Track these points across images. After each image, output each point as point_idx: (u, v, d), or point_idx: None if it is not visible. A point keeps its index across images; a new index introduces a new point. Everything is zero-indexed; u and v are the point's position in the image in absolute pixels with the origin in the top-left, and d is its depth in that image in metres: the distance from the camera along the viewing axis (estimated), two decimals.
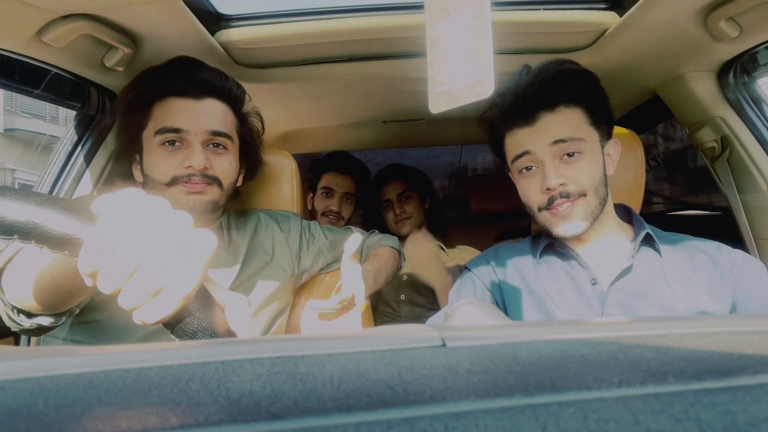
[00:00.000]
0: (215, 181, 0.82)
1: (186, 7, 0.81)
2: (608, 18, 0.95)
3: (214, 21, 0.96)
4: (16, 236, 0.34)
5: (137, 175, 0.86)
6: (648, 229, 0.80)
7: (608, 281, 0.77)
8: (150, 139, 0.81)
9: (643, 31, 0.94)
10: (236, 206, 1.07)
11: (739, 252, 0.78)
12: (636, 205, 1.03)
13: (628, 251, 0.79)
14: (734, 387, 0.16)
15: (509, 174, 0.86)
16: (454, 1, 0.32)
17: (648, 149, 1.93)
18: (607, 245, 0.81)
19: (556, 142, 0.76)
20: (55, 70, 0.89)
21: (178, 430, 0.14)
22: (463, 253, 1.69)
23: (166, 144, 0.80)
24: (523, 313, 0.82)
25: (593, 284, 0.78)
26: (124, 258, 0.33)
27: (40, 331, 0.57)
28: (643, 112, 1.43)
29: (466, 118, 1.53)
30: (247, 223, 0.97)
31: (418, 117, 1.57)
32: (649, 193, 1.93)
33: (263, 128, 1.00)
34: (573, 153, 0.76)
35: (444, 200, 2.62)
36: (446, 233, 1.87)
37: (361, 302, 0.76)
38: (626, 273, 0.77)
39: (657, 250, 0.79)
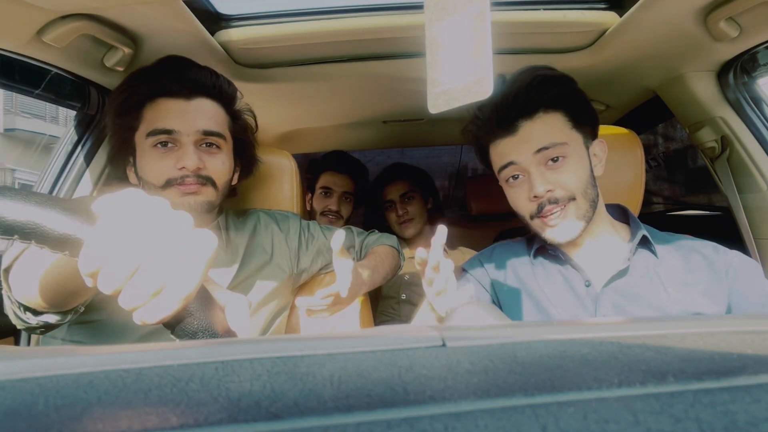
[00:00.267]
0: (209, 181, 0.82)
1: (186, 7, 0.81)
2: (608, 18, 0.95)
3: (214, 21, 0.96)
4: (16, 236, 0.34)
5: (132, 177, 0.86)
6: (644, 230, 0.80)
7: (602, 282, 0.77)
8: (142, 141, 0.81)
9: (643, 31, 0.94)
10: (235, 206, 1.07)
11: (735, 253, 0.78)
12: (636, 205, 1.03)
13: (623, 252, 0.79)
14: (734, 387, 0.16)
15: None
16: (454, 1, 0.32)
17: (648, 149, 1.93)
18: (602, 246, 0.81)
19: (539, 150, 0.75)
20: (55, 70, 0.89)
21: (178, 430, 0.14)
22: (465, 255, 1.68)
23: (159, 146, 0.80)
24: (520, 312, 0.82)
25: (587, 286, 0.78)
26: (124, 258, 0.33)
27: (47, 328, 0.57)
28: (643, 112, 1.43)
29: (465, 118, 1.53)
30: (246, 223, 0.97)
31: (418, 117, 1.57)
32: (649, 193, 1.93)
33: (256, 125, 0.99)
34: (557, 158, 0.76)
35: (444, 200, 2.62)
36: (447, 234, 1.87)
37: (345, 294, 0.74)
38: (622, 275, 0.77)
39: (653, 251, 0.78)
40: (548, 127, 0.76)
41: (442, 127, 1.70)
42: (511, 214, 0.87)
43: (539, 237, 0.84)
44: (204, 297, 0.37)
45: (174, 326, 0.36)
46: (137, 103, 0.82)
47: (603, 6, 0.95)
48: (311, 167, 1.75)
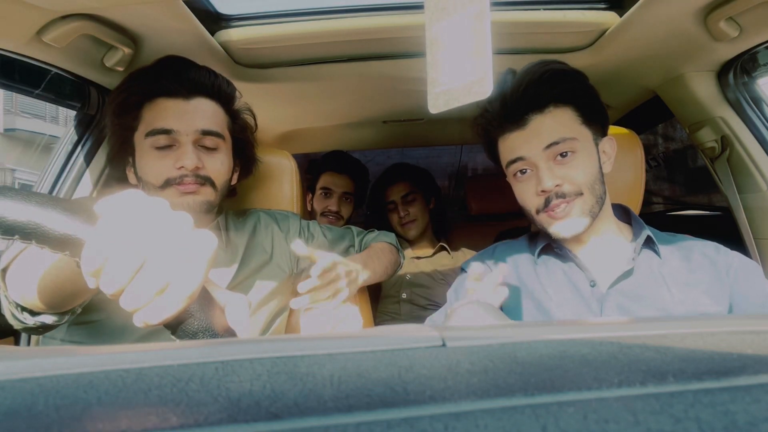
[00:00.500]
0: (208, 181, 0.82)
1: (186, 7, 0.81)
2: (608, 18, 0.95)
3: (214, 21, 0.96)
4: (17, 236, 0.34)
5: (131, 177, 0.86)
6: (648, 231, 0.80)
7: (607, 283, 0.77)
8: (141, 141, 0.81)
9: (643, 31, 0.94)
10: (235, 206, 1.06)
11: (736, 254, 0.78)
12: (636, 205, 1.03)
13: (627, 253, 0.79)
14: (734, 387, 0.16)
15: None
16: (454, 1, 0.32)
17: (648, 149, 1.93)
18: (606, 246, 0.81)
19: (549, 145, 0.75)
20: (55, 70, 0.89)
21: (178, 430, 0.14)
22: (467, 256, 1.69)
23: (158, 146, 0.80)
24: (521, 313, 0.81)
25: (592, 286, 0.78)
26: (127, 258, 0.33)
27: (44, 329, 0.57)
28: (643, 112, 1.43)
29: (466, 118, 1.52)
30: (246, 223, 0.97)
31: (418, 117, 1.57)
32: (649, 193, 1.93)
33: (256, 124, 0.99)
34: (566, 153, 0.76)
35: (444, 200, 2.62)
36: (448, 234, 1.87)
37: (335, 259, 0.76)
38: (627, 276, 0.77)
39: (656, 252, 0.78)
40: (558, 122, 0.76)
41: (442, 127, 1.70)
42: (512, 214, 0.87)
43: (544, 235, 0.84)
44: (204, 297, 0.37)
45: (175, 327, 0.36)
46: (136, 103, 0.82)
47: (603, 6, 0.95)
48: (311, 167, 1.75)
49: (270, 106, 1.33)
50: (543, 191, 0.76)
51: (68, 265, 0.44)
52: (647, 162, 1.12)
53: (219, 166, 0.84)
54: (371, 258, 1.00)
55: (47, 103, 1.28)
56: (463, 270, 0.93)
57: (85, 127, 1.05)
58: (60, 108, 1.06)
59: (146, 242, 0.34)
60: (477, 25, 0.31)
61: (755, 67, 1.05)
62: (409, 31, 0.96)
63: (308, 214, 1.73)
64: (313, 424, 0.15)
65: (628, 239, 0.82)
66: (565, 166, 0.76)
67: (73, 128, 1.05)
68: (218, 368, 0.18)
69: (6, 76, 0.87)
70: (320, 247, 1.03)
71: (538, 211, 0.79)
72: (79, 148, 1.06)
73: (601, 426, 0.14)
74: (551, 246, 0.83)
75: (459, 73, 0.32)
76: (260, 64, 1.09)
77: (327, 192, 1.65)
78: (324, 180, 1.66)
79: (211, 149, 0.84)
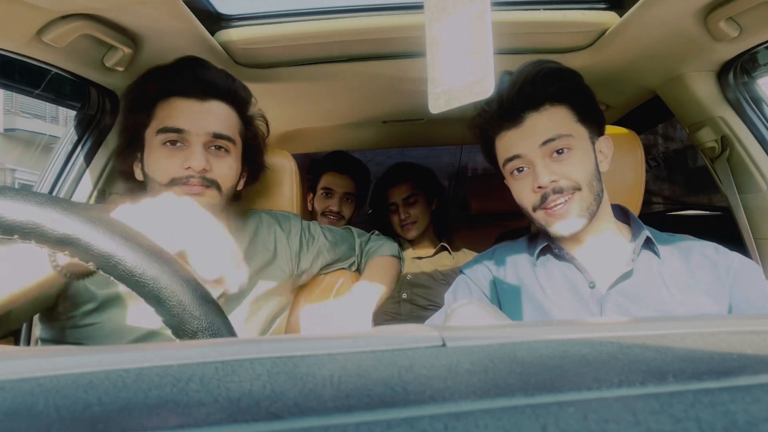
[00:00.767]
0: (213, 184, 0.82)
1: (186, 7, 0.81)
2: (608, 18, 0.95)
3: (214, 21, 0.96)
4: (16, 236, 0.34)
5: (137, 173, 0.86)
6: (648, 231, 0.80)
7: (607, 284, 0.77)
8: (152, 138, 0.81)
9: (643, 31, 0.94)
10: (236, 206, 1.06)
11: (735, 254, 0.78)
12: (636, 206, 1.03)
13: (627, 253, 0.79)
14: (734, 387, 0.16)
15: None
16: (454, 1, 0.32)
17: (648, 149, 1.93)
18: (605, 246, 0.81)
19: (545, 142, 0.76)
20: (55, 70, 0.89)
21: (178, 430, 0.14)
22: (468, 257, 1.68)
23: (167, 144, 0.80)
24: (521, 314, 0.81)
25: (591, 287, 0.77)
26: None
27: None
28: (643, 112, 1.43)
29: (466, 118, 1.52)
30: (248, 224, 0.97)
31: (418, 117, 1.57)
32: (649, 193, 1.93)
33: (268, 131, 0.99)
34: (562, 150, 0.76)
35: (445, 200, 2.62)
36: (450, 234, 1.87)
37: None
38: (626, 277, 0.76)
39: (656, 252, 0.78)
40: (554, 120, 0.77)
41: (442, 127, 1.70)
42: (512, 214, 0.87)
43: (543, 236, 0.84)
44: (204, 297, 0.37)
45: (175, 327, 0.36)
46: (150, 99, 0.82)
47: (603, 6, 0.95)
48: (312, 168, 1.75)
49: (270, 106, 1.32)
50: (539, 187, 0.76)
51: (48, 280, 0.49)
52: (647, 162, 1.12)
53: (227, 170, 0.84)
54: (382, 278, 0.99)
55: (47, 103, 1.28)
56: (462, 272, 0.93)
57: (85, 127, 1.05)
58: (60, 108, 1.06)
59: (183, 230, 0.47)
60: (477, 25, 0.31)
61: (755, 67, 1.05)
62: (409, 31, 0.96)
63: (309, 214, 1.73)
64: (313, 424, 0.15)
65: (627, 240, 0.82)
66: (561, 163, 0.76)
67: (73, 128, 1.05)
68: (218, 368, 0.18)
69: (6, 76, 0.87)
70: (321, 248, 1.02)
71: (535, 209, 0.79)
72: (79, 148, 1.06)
73: (601, 426, 0.14)
74: (550, 247, 0.83)
75: (459, 73, 0.32)
76: (260, 64, 1.09)
77: (328, 192, 1.65)
78: (325, 180, 1.66)
79: (221, 152, 0.84)
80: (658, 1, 0.82)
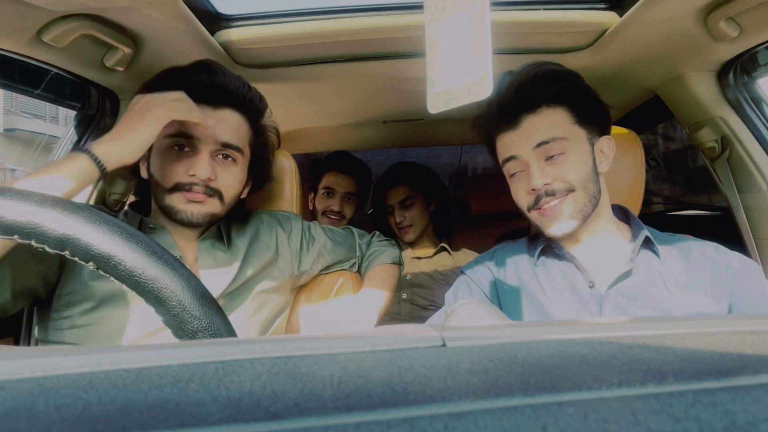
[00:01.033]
0: (216, 193, 0.82)
1: (186, 7, 0.81)
2: (608, 18, 0.95)
3: (214, 21, 0.96)
4: (16, 236, 0.34)
5: (143, 171, 0.86)
6: (647, 231, 0.80)
7: (606, 284, 0.77)
8: (160, 140, 0.81)
9: (643, 31, 0.94)
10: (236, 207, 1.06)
11: (736, 254, 0.78)
12: (636, 206, 1.03)
13: (626, 253, 0.79)
14: (734, 387, 0.16)
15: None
16: (454, 1, 0.32)
17: (648, 149, 1.93)
18: (604, 246, 0.81)
19: (539, 144, 0.76)
20: (55, 70, 0.89)
21: (178, 430, 0.14)
22: (468, 257, 1.68)
23: (175, 148, 0.80)
24: (521, 315, 0.81)
25: (591, 287, 0.78)
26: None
27: None
28: (643, 112, 1.43)
29: (466, 118, 1.52)
30: (248, 224, 0.97)
31: (418, 117, 1.57)
32: (649, 193, 1.93)
33: (279, 143, 0.99)
34: (557, 153, 0.77)
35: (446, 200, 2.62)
36: (450, 234, 1.87)
37: None
38: (626, 277, 0.77)
39: (655, 252, 0.78)
40: (550, 122, 0.77)
41: (442, 127, 1.70)
42: (512, 214, 0.87)
43: (543, 236, 0.84)
44: (204, 297, 0.37)
45: (175, 326, 0.36)
46: None
47: (603, 6, 0.95)
48: (314, 167, 1.75)
49: (270, 107, 1.33)
50: (533, 189, 0.77)
51: None
52: (647, 162, 1.12)
53: (231, 180, 0.84)
54: (384, 287, 1.01)
55: (47, 103, 1.28)
56: (463, 273, 0.93)
57: (85, 127, 1.05)
58: (60, 108, 1.06)
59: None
60: (477, 25, 0.31)
61: (755, 67, 1.05)
62: (409, 31, 0.96)
63: (309, 214, 1.73)
64: (313, 424, 0.15)
65: (627, 240, 0.82)
66: (556, 165, 0.77)
67: (73, 128, 1.05)
68: (218, 368, 0.18)
69: (6, 76, 0.87)
70: (321, 249, 1.02)
71: (529, 209, 0.80)
72: None
73: (601, 426, 0.14)
74: (551, 247, 0.83)
75: (459, 73, 0.32)
76: (260, 64, 1.09)
77: (330, 192, 1.65)
78: (327, 180, 1.66)
79: (228, 162, 0.83)
80: (658, 1, 0.82)
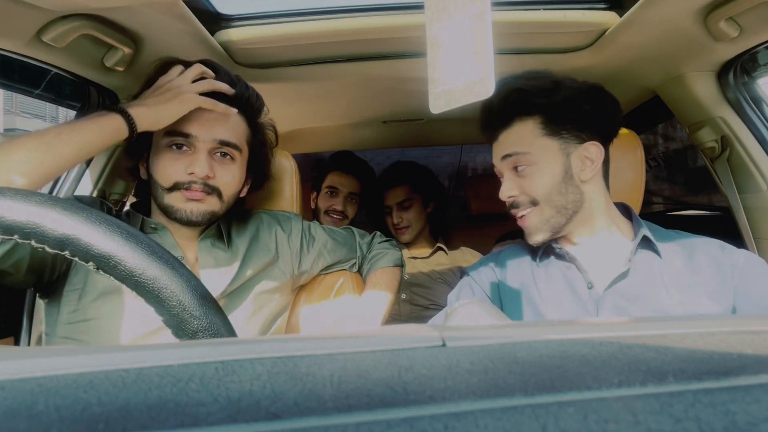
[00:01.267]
0: (215, 191, 0.82)
1: (186, 7, 0.81)
2: (608, 18, 0.95)
3: (214, 21, 0.96)
4: (16, 236, 0.34)
5: (143, 172, 0.86)
6: (646, 230, 0.79)
7: (604, 285, 0.77)
8: (159, 140, 0.81)
9: (643, 31, 0.94)
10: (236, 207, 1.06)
11: (741, 252, 0.77)
12: (636, 205, 1.03)
13: (626, 253, 0.79)
14: (734, 387, 0.16)
15: None
16: (454, 1, 0.32)
17: (648, 149, 1.93)
18: (604, 246, 0.80)
19: (504, 157, 0.81)
20: (55, 70, 0.89)
21: (178, 430, 0.14)
22: (465, 255, 1.68)
23: (174, 147, 0.80)
24: (520, 316, 0.82)
25: (589, 288, 0.77)
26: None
27: None
28: (643, 112, 1.43)
29: (466, 118, 1.53)
30: (248, 224, 0.97)
31: (418, 117, 1.57)
32: (649, 193, 1.93)
33: (277, 141, 0.99)
34: (523, 165, 0.79)
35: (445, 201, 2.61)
36: (447, 235, 1.87)
37: None
38: (623, 277, 0.76)
39: (656, 251, 0.78)
40: (517, 136, 0.81)
41: (442, 127, 1.70)
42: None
43: None
44: (204, 297, 0.37)
45: (175, 326, 0.36)
46: None
47: (603, 6, 0.95)
48: (317, 166, 1.75)
49: (270, 106, 1.33)
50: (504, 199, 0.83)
51: None
52: (647, 162, 1.12)
53: (230, 178, 0.84)
54: (387, 289, 1.02)
55: (47, 103, 1.28)
56: (467, 274, 0.93)
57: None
58: (60, 108, 1.06)
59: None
60: (478, 25, 0.31)
61: (755, 67, 1.05)
62: (409, 31, 0.96)
63: (311, 214, 1.73)
64: (313, 424, 0.15)
65: (629, 239, 0.81)
66: (522, 177, 0.80)
67: None
68: (218, 368, 0.18)
69: (6, 76, 0.87)
70: (322, 249, 1.02)
71: (513, 216, 0.85)
72: None
73: (601, 426, 0.14)
74: (552, 248, 0.83)
75: (459, 73, 0.32)
76: (260, 64, 1.09)
77: (333, 191, 1.65)
78: (330, 179, 1.66)
79: (226, 160, 0.84)
80: (658, 1, 0.82)
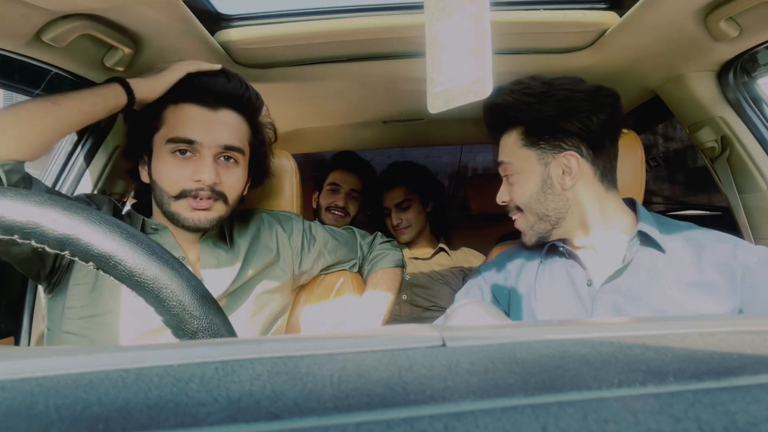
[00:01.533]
0: (222, 196, 0.82)
1: (186, 7, 0.81)
2: (608, 18, 0.95)
3: (214, 21, 0.96)
4: (16, 236, 0.34)
5: (144, 175, 0.86)
6: (645, 226, 0.77)
7: (602, 282, 0.76)
8: (161, 145, 0.81)
9: (643, 31, 0.94)
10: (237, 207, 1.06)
11: (757, 251, 0.73)
12: None
13: (624, 251, 0.78)
14: (734, 387, 0.16)
15: None
16: (454, 1, 0.32)
17: (648, 149, 1.93)
18: (604, 245, 0.80)
19: (498, 163, 0.86)
20: (55, 70, 0.89)
21: (178, 430, 0.14)
22: (467, 256, 1.68)
23: (177, 153, 0.80)
24: (520, 315, 0.82)
25: (589, 285, 0.77)
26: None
27: None
28: (643, 112, 1.43)
29: (466, 118, 1.53)
30: (249, 224, 0.97)
31: (418, 117, 1.57)
32: (649, 193, 1.93)
33: (276, 138, 0.99)
34: (509, 174, 0.84)
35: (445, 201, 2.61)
36: (448, 234, 1.87)
37: None
38: (619, 274, 0.75)
39: (659, 248, 0.75)
40: (505, 146, 0.85)
41: (442, 127, 1.70)
42: None
43: None
44: (204, 297, 0.37)
45: (175, 326, 0.36)
46: (161, 103, 0.82)
47: (603, 6, 0.95)
48: (320, 166, 1.76)
49: (270, 107, 1.32)
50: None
51: None
52: (647, 162, 1.12)
53: (234, 181, 0.84)
54: (388, 290, 1.03)
55: None
56: (479, 273, 0.94)
57: (85, 127, 1.04)
58: None
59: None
60: (476, 25, 0.31)
61: (755, 67, 1.05)
62: (409, 31, 0.96)
63: (312, 213, 1.73)
64: (313, 424, 0.15)
65: (630, 236, 0.80)
66: (511, 185, 0.85)
67: None
68: (218, 368, 0.18)
69: (6, 76, 0.87)
70: (322, 249, 1.02)
71: None
72: (79, 148, 1.06)
73: (601, 426, 0.14)
74: (556, 246, 0.83)
75: (459, 73, 0.32)
76: (260, 64, 1.09)
77: (335, 188, 1.66)
78: (333, 177, 1.67)
79: (230, 163, 0.84)
80: (658, 1, 0.82)
